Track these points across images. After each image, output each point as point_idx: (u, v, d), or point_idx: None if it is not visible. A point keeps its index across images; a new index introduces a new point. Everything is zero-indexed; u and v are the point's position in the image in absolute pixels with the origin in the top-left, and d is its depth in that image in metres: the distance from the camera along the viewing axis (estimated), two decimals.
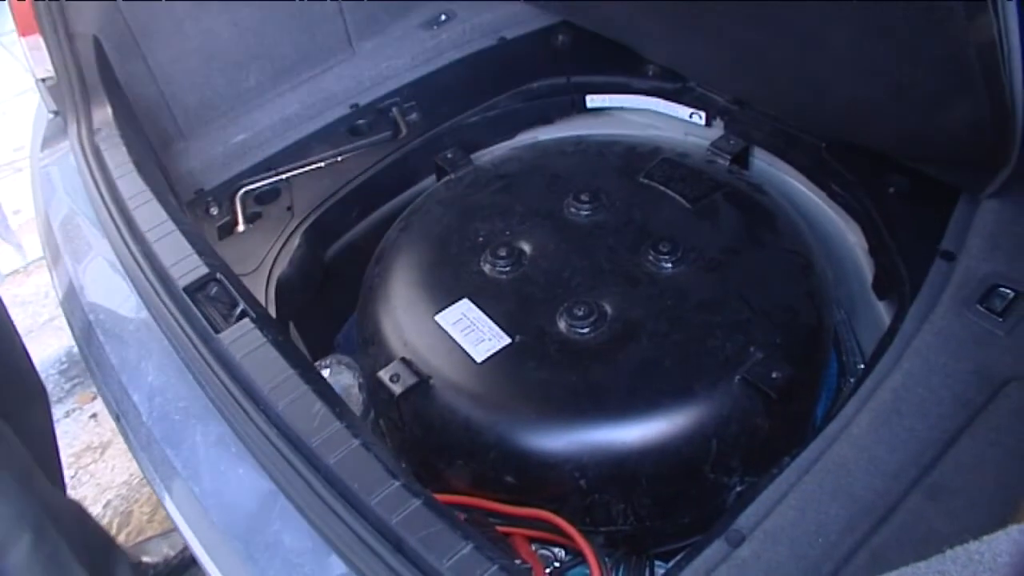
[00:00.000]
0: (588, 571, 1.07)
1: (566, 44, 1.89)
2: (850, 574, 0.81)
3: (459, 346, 1.25)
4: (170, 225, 1.24)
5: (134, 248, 1.22)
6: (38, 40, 1.45)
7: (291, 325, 1.56)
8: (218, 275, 1.16)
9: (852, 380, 1.42)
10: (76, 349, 1.30)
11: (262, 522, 0.92)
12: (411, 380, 1.21)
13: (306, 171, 1.70)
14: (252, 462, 0.96)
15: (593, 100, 1.89)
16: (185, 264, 1.17)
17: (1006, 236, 1.07)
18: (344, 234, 1.71)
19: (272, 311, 1.43)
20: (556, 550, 1.19)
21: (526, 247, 1.41)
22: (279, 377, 1.01)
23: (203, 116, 1.70)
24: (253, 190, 1.67)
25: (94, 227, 1.34)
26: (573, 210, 1.47)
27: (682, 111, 1.78)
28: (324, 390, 1.02)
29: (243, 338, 1.06)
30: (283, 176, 1.69)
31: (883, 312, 1.36)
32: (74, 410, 2.39)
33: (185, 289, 1.14)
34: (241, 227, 1.62)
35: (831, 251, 1.50)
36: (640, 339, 1.23)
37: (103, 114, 1.47)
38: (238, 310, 1.12)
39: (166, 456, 1.02)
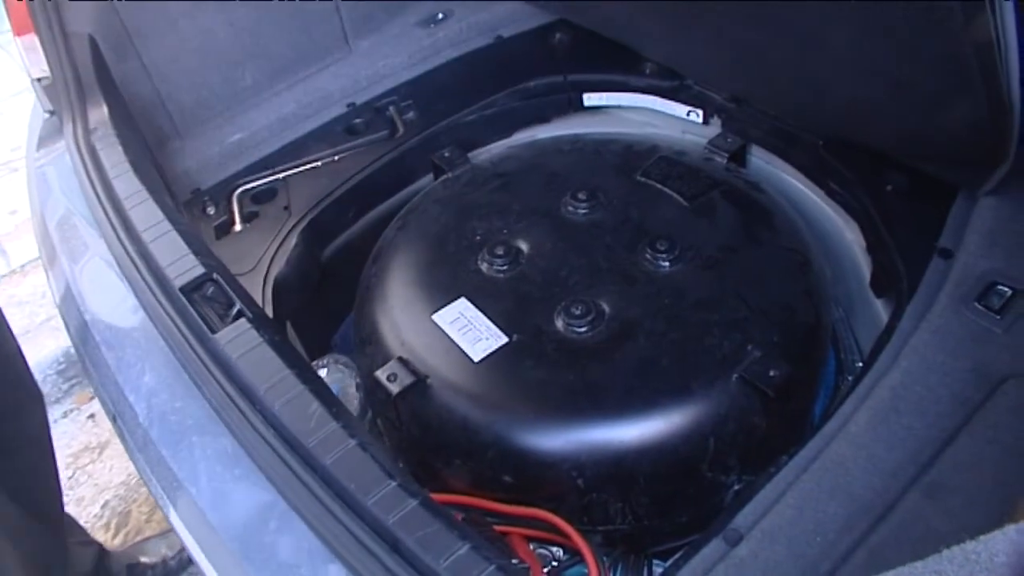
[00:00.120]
0: (586, 570, 1.07)
1: (563, 42, 1.89)
2: (848, 573, 0.80)
3: (456, 345, 1.25)
4: (166, 225, 1.23)
5: (130, 248, 1.21)
6: (33, 39, 1.45)
7: (288, 325, 1.56)
8: (214, 275, 1.16)
9: (850, 378, 1.42)
10: (73, 349, 1.30)
11: (259, 523, 0.92)
12: (408, 380, 1.21)
13: (303, 170, 1.70)
14: (248, 463, 0.96)
15: (590, 98, 1.89)
16: (181, 264, 1.17)
17: (1004, 233, 1.07)
18: (341, 233, 1.71)
19: (269, 311, 1.43)
20: (554, 549, 1.18)
21: (523, 246, 1.40)
22: (275, 377, 1.00)
23: (199, 115, 1.70)
24: (250, 190, 1.66)
25: (90, 227, 1.34)
26: (570, 209, 1.47)
27: (679, 109, 1.78)
28: (321, 390, 1.01)
29: (239, 338, 1.06)
30: (280, 175, 1.69)
31: (881, 310, 1.36)
32: (72, 410, 2.38)
33: (181, 289, 1.14)
34: (238, 227, 1.61)
35: (829, 249, 1.50)
36: (638, 338, 1.23)
37: (99, 113, 1.47)
38: (234, 310, 1.12)
39: (162, 457, 1.01)
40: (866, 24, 1.09)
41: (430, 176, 1.73)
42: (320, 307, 1.65)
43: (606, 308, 1.27)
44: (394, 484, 0.87)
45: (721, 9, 1.28)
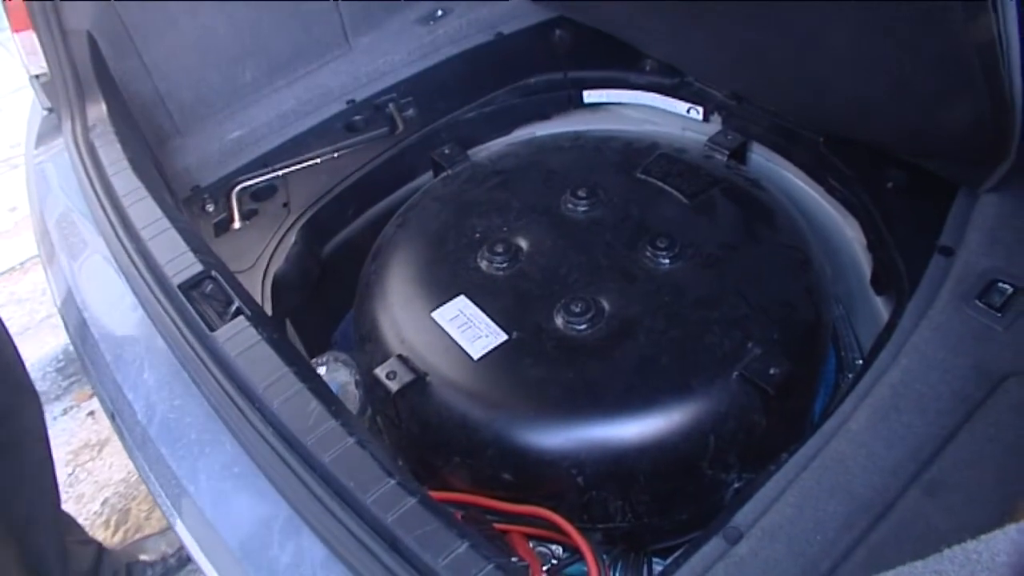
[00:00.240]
0: (586, 568, 1.06)
1: (563, 39, 1.88)
2: (848, 571, 0.80)
3: (456, 343, 1.25)
4: (165, 222, 1.23)
5: (129, 246, 1.21)
6: (32, 36, 1.44)
7: (288, 322, 1.55)
8: (213, 272, 1.16)
9: (850, 376, 1.42)
10: (72, 347, 1.30)
11: (257, 521, 0.92)
12: (408, 377, 1.21)
13: (302, 168, 1.70)
14: (247, 461, 0.96)
15: (590, 95, 1.89)
16: (180, 262, 1.17)
17: (1005, 231, 1.06)
18: (341, 231, 1.70)
19: (268, 308, 1.43)
20: (554, 547, 1.18)
21: (523, 243, 1.40)
22: (274, 375, 1.00)
23: (199, 112, 1.70)
24: (249, 187, 1.66)
25: (89, 224, 1.33)
26: (570, 206, 1.47)
27: (680, 106, 1.78)
28: (319, 388, 1.01)
29: (238, 336, 1.06)
30: (279, 173, 1.68)
31: (881, 307, 1.36)
32: (71, 408, 2.38)
33: (180, 287, 1.14)
34: (237, 224, 1.61)
35: (829, 246, 1.49)
36: (637, 336, 1.22)
37: (98, 111, 1.46)
38: (233, 308, 1.11)
39: (161, 455, 1.01)
40: (867, 21, 1.09)
41: (430, 173, 1.73)
42: (320, 305, 1.65)
43: (606, 306, 1.27)
44: (393, 482, 0.87)
45: (721, 6, 1.28)
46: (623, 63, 1.82)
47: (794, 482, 0.88)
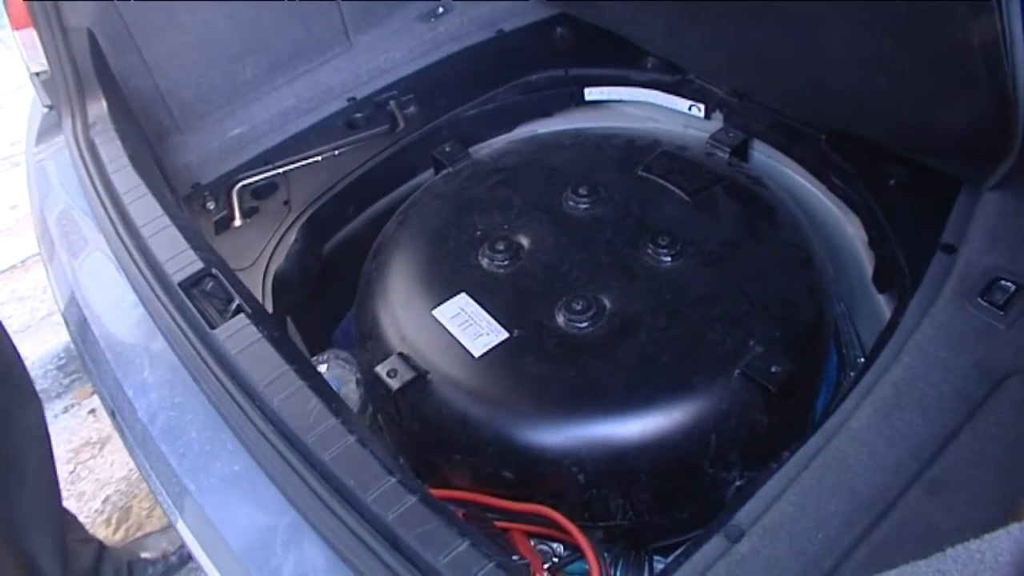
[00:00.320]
0: (587, 566, 1.06)
1: (564, 36, 1.88)
2: (850, 570, 0.80)
3: (457, 341, 1.25)
4: (165, 220, 1.23)
5: (129, 243, 1.21)
6: (32, 34, 1.44)
7: (288, 320, 1.55)
8: (213, 270, 1.16)
9: (852, 374, 1.42)
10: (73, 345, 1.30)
11: (258, 519, 0.92)
12: (408, 375, 1.21)
13: (303, 165, 1.70)
14: (248, 459, 0.96)
15: (592, 93, 1.88)
16: (180, 259, 1.16)
17: (1008, 228, 1.06)
18: (341, 228, 1.70)
19: (269, 306, 1.42)
20: (555, 545, 1.18)
21: (524, 241, 1.40)
22: (274, 373, 1.00)
23: (199, 110, 1.70)
24: (250, 184, 1.66)
25: (90, 222, 1.33)
26: (571, 204, 1.46)
27: (681, 104, 1.77)
28: (320, 386, 1.01)
29: (238, 334, 1.06)
30: (280, 170, 1.68)
31: (883, 305, 1.36)
32: (72, 406, 2.38)
33: (180, 284, 1.13)
34: (238, 222, 1.61)
35: (831, 244, 1.49)
36: (639, 333, 1.22)
37: (98, 108, 1.46)
38: (233, 305, 1.11)
39: (161, 453, 1.01)
40: (869, 18, 1.09)
41: (431, 171, 1.72)
42: (320, 302, 1.65)
43: (607, 304, 1.27)
44: (393, 480, 0.86)
45: (723, 4, 1.27)
46: (624, 60, 1.82)
47: (796, 480, 0.88)
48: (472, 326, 1.26)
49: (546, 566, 1.15)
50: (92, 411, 2.35)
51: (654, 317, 1.24)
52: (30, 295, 2.69)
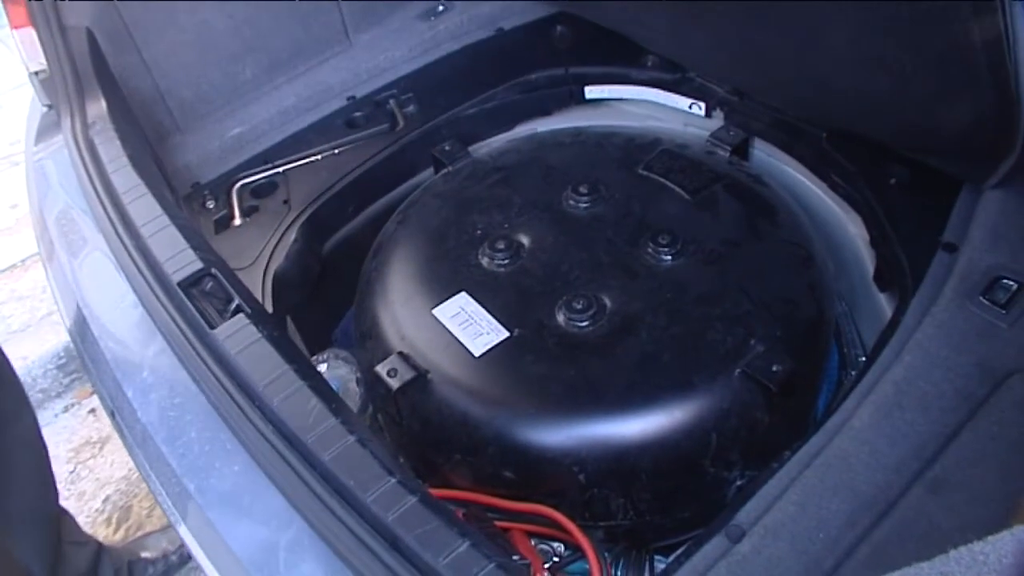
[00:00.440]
0: (587, 566, 1.06)
1: (564, 35, 1.88)
2: (851, 569, 0.80)
3: (457, 340, 1.24)
4: (165, 220, 1.23)
5: (128, 243, 1.21)
6: (31, 33, 1.44)
7: (288, 320, 1.55)
8: (213, 270, 1.16)
9: (853, 373, 1.41)
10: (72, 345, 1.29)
11: (257, 519, 0.92)
12: (409, 375, 1.21)
13: (303, 164, 1.69)
14: (247, 459, 0.96)
15: (592, 91, 1.88)
16: (180, 259, 1.16)
17: (1009, 227, 1.05)
18: (341, 228, 1.70)
19: (269, 306, 1.42)
20: (555, 545, 1.18)
21: (524, 240, 1.40)
22: (274, 373, 1.00)
23: (199, 109, 1.69)
24: (250, 184, 1.66)
25: (89, 221, 1.33)
26: (572, 202, 1.46)
27: (682, 102, 1.77)
28: (319, 386, 1.01)
29: (238, 334, 1.06)
30: (280, 169, 1.68)
31: (884, 304, 1.35)
32: (72, 405, 2.38)
33: (179, 284, 1.13)
34: (238, 221, 1.61)
35: (832, 243, 1.49)
36: (639, 332, 1.22)
37: (97, 108, 1.46)
38: (233, 305, 1.11)
39: (161, 453, 1.01)
40: (870, 16, 1.08)
41: (430, 170, 1.72)
42: (320, 302, 1.64)
43: (608, 302, 1.26)
44: (393, 481, 0.86)
45: (724, 3, 1.27)
46: (624, 59, 1.82)
47: (797, 480, 0.88)
48: (472, 325, 1.26)
49: (547, 566, 1.15)
50: (92, 410, 2.35)
51: (655, 316, 1.24)
52: (30, 294, 2.69)
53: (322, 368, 1.46)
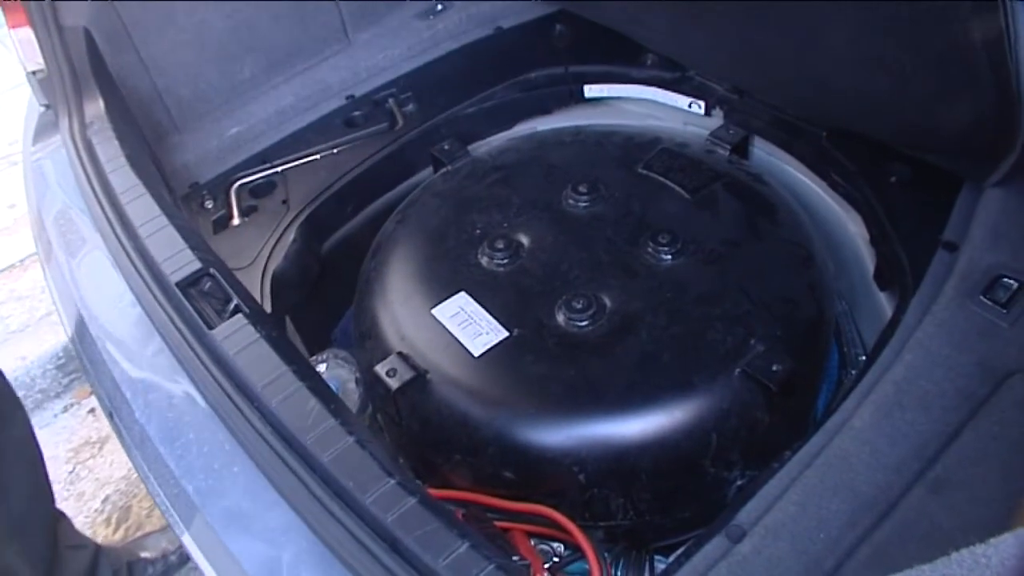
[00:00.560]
0: (587, 566, 1.06)
1: (564, 33, 1.87)
2: (852, 569, 0.79)
3: (456, 340, 1.24)
4: (163, 220, 1.22)
5: (126, 243, 1.20)
6: (28, 33, 1.43)
7: (287, 320, 1.55)
8: (211, 270, 1.15)
9: (853, 372, 1.41)
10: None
11: (256, 520, 0.91)
12: (408, 375, 1.20)
13: (301, 164, 1.69)
14: (246, 460, 0.95)
15: (591, 90, 1.88)
16: (178, 259, 1.16)
17: (1010, 225, 1.05)
18: (340, 227, 1.70)
19: (268, 306, 1.42)
20: (555, 545, 1.18)
21: (524, 239, 1.39)
22: (273, 374, 1.00)
23: (197, 109, 1.69)
24: (248, 183, 1.65)
25: (88, 221, 1.33)
26: (571, 201, 1.46)
27: (681, 100, 1.77)
28: (318, 387, 1.00)
29: (236, 334, 1.05)
30: (278, 169, 1.68)
31: (885, 303, 1.35)
32: (72, 405, 2.38)
33: (178, 284, 1.13)
34: (236, 221, 1.60)
35: (832, 241, 1.48)
36: (639, 332, 1.21)
37: (95, 107, 1.45)
38: (231, 305, 1.11)
39: (159, 454, 1.01)
40: (870, 15, 1.08)
41: (429, 169, 1.72)
42: (319, 302, 1.64)
43: (607, 302, 1.26)
44: (393, 482, 0.86)
45: (724, 3, 1.27)
46: (624, 57, 1.81)
47: (797, 480, 0.88)
48: (472, 325, 1.26)
49: (547, 566, 1.15)
50: (91, 410, 2.35)
51: (654, 316, 1.23)
52: (29, 294, 2.68)
53: (321, 368, 1.46)
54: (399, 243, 1.45)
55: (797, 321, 1.24)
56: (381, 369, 1.22)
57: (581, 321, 1.23)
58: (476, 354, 1.22)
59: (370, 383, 1.31)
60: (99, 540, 1.89)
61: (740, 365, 1.15)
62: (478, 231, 1.42)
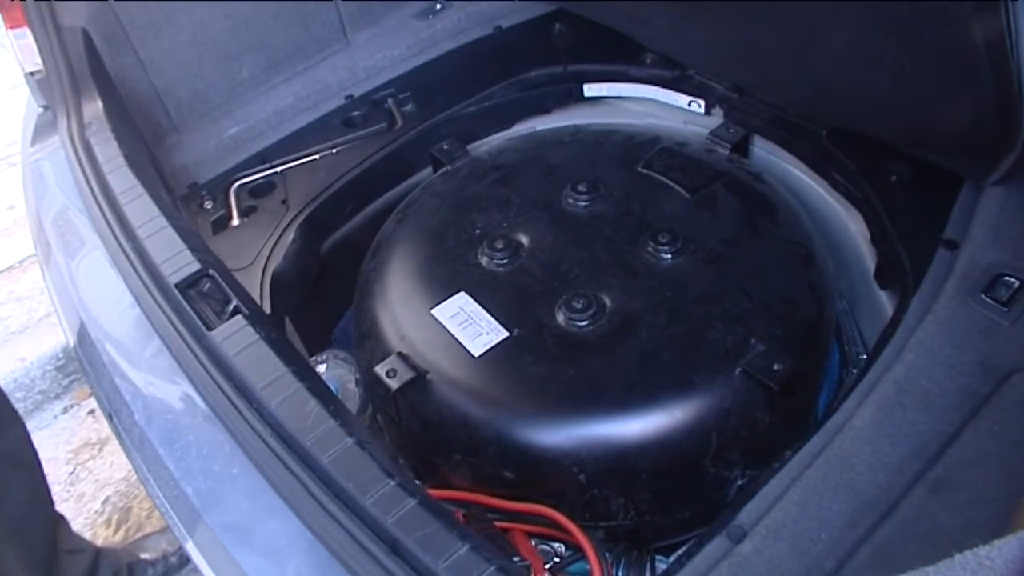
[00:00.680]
0: (588, 566, 1.06)
1: (563, 33, 1.87)
2: (853, 570, 0.79)
3: (456, 340, 1.24)
4: (162, 220, 1.22)
5: (125, 244, 1.20)
6: (26, 33, 1.43)
7: (287, 320, 1.54)
8: (210, 271, 1.15)
9: (854, 371, 1.41)
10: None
11: (256, 522, 0.91)
12: (408, 375, 1.20)
13: (301, 164, 1.69)
14: (245, 461, 0.95)
15: (591, 89, 1.87)
16: (177, 260, 1.16)
17: (1011, 224, 1.05)
18: (340, 227, 1.69)
19: (267, 307, 1.42)
20: (556, 545, 1.17)
21: (524, 239, 1.39)
22: (272, 375, 0.99)
23: (196, 109, 1.69)
24: (247, 184, 1.65)
25: (87, 222, 1.32)
26: (571, 201, 1.45)
27: (681, 100, 1.77)
28: (318, 387, 1.00)
29: (236, 335, 1.05)
30: (277, 169, 1.67)
31: (885, 302, 1.35)
32: (72, 406, 2.38)
33: (177, 286, 1.13)
34: (235, 221, 1.60)
35: (833, 240, 1.48)
36: (639, 332, 1.21)
37: (94, 108, 1.45)
38: (231, 306, 1.11)
39: (158, 456, 1.00)
40: (871, 14, 1.08)
41: (429, 169, 1.72)
42: (319, 302, 1.64)
43: (607, 302, 1.26)
44: (393, 483, 0.86)
45: (724, 2, 1.26)
46: (623, 56, 1.81)
47: (798, 480, 0.88)
48: (471, 325, 1.25)
49: (547, 566, 1.15)
50: (91, 412, 2.35)
51: (655, 315, 1.23)
52: (28, 295, 2.68)
53: (321, 369, 1.45)
54: (399, 243, 1.45)
55: (797, 320, 1.23)
56: (381, 369, 1.22)
57: (581, 321, 1.23)
58: (476, 354, 1.21)
59: (370, 383, 1.31)
60: (99, 541, 1.90)
61: (740, 364, 1.15)
62: (478, 231, 1.42)
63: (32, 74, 1.49)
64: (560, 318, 1.24)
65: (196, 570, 0.95)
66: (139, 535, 1.97)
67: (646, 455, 1.12)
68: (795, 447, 0.93)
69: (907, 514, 0.82)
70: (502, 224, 1.43)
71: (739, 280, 1.27)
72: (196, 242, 1.22)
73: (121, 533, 2.03)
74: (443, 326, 1.26)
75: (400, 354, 1.24)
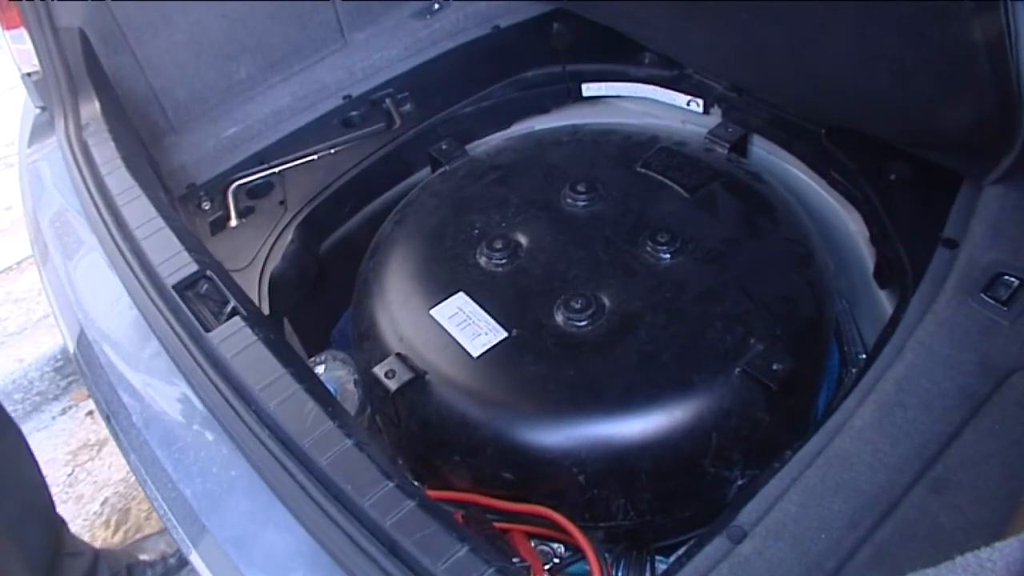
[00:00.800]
0: (588, 567, 1.05)
1: (561, 32, 1.86)
2: (853, 570, 0.79)
3: (455, 341, 1.24)
4: (159, 222, 1.22)
5: (123, 245, 1.20)
6: (22, 34, 1.43)
7: (285, 321, 1.54)
8: (208, 272, 1.15)
9: (854, 371, 1.41)
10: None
11: (255, 523, 0.91)
12: (407, 376, 1.20)
13: (299, 164, 1.69)
14: (243, 463, 0.95)
15: (589, 88, 1.87)
16: (174, 261, 1.15)
17: (1010, 223, 1.05)
18: (338, 228, 1.69)
19: (265, 308, 1.41)
20: (556, 546, 1.17)
21: (522, 239, 1.39)
22: (270, 376, 0.99)
23: (194, 110, 1.68)
24: (245, 184, 1.65)
25: (84, 223, 1.32)
26: (570, 201, 1.45)
27: (679, 99, 1.76)
28: (316, 389, 1.00)
29: (234, 336, 1.05)
30: (275, 170, 1.67)
31: (885, 301, 1.35)
32: (70, 407, 2.37)
33: (175, 287, 1.12)
34: (233, 222, 1.60)
35: (832, 240, 1.48)
36: (639, 332, 1.21)
37: (91, 109, 1.45)
38: (229, 308, 1.10)
39: (156, 457, 1.00)
40: (870, 13, 1.07)
41: (427, 169, 1.71)
42: (317, 303, 1.64)
43: (606, 302, 1.26)
44: (391, 485, 0.86)
45: (724, 2, 1.26)
46: (622, 56, 1.81)
47: (798, 480, 0.87)
48: (470, 326, 1.25)
49: (547, 567, 1.15)
50: (89, 413, 2.34)
51: (654, 315, 1.23)
52: (26, 297, 2.68)
53: (319, 369, 1.45)
54: (397, 243, 1.45)
55: (797, 320, 1.23)
56: (380, 370, 1.22)
57: (580, 321, 1.23)
58: (475, 355, 1.21)
59: (369, 384, 1.30)
60: (98, 543, 1.89)
61: (740, 364, 1.15)
62: (476, 231, 1.42)
63: (29, 75, 1.49)
64: (559, 318, 1.24)
65: (194, 571, 0.95)
66: (138, 536, 1.97)
67: (646, 455, 1.12)
68: (795, 447, 0.93)
69: (907, 514, 0.82)
70: (501, 224, 1.42)
71: (738, 280, 1.27)
72: (194, 243, 1.22)
73: (120, 534, 2.03)
74: (442, 326, 1.26)
75: (399, 355, 1.23)
